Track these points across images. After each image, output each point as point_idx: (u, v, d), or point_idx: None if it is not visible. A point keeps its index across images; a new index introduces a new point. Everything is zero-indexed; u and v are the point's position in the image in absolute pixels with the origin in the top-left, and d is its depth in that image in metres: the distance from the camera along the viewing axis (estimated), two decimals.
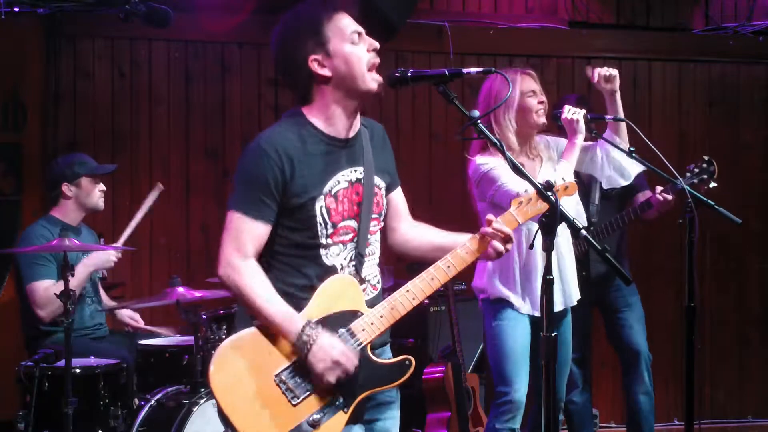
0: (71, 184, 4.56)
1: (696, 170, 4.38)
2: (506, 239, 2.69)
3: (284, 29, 2.70)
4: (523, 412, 3.87)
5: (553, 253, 3.73)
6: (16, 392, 4.16)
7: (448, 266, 2.67)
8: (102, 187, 4.64)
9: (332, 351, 2.51)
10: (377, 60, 2.66)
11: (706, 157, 4.40)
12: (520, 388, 3.83)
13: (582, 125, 3.87)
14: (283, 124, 2.68)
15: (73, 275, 3.96)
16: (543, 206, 2.68)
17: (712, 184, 4.31)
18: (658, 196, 4.45)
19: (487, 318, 3.93)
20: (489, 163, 3.82)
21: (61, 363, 3.84)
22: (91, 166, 4.63)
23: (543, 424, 2.61)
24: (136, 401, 4.23)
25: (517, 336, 3.84)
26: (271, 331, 2.56)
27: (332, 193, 2.63)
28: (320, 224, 2.61)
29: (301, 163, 2.59)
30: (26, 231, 4.55)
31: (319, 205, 2.60)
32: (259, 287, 2.57)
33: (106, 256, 4.51)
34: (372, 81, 2.64)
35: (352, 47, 2.63)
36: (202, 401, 4.02)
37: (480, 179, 3.83)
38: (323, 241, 2.61)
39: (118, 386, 4.16)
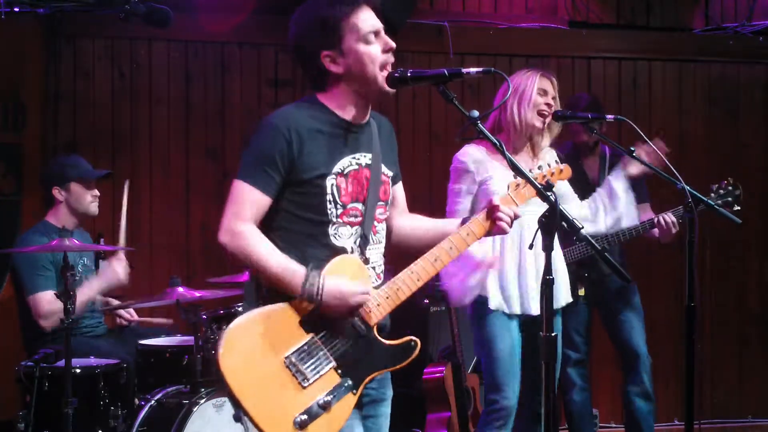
0: (62, 188, 4.54)
1: (721, 191, 4.29)
2: (513, 220, 2.75)
3: (300, 19, 2.71)
4: (513, 418, 3.84)
5: (530, 256, 3.76)
6: (16, 392, 4.16)
7: (451, 247, 2.71)
8: (95, 192, 4.60)
9: (343, 297, 2.56)
10: (392, 59, 2.67)
11: (731, 180, 4.31)
12: (511, 394, 3.79)
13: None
14: (297, 104, 2.73)
15: (73, 275, 3.96)
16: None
17: (736, 208, 4.20)
18: (660, 218, 4.39)
19: (474, 322, 3.87)
20: (467, 161, 3.81)
21: (61, 363, 3.83)
22: (82, 170, 4.58)
23: (543, 425, 2.61)
24: (136, 401, 4.23)
25: (506, 341, 3.79)
26: (279, 313, 2.57)
27: (343, 173, 2.66)
28: (329, 202, 2.64)
29: (311, 140, 2.62)
30: (22, 237, 4.53)
31: (330, 182, 2.63)
32: (259, 246, 2.59)
33: (116, 275, 4.52)
34: (384, 84, 2.66)
35: (366, 47, 2.64)
36: (202, 401, 4.01)
37: (451, 170, 3.87)
38: (333, 219, 2.64)
39: (118, 386, 4.16)
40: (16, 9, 5.11)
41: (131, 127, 5.57)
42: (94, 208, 4.61)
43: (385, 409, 2.81)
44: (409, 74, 2.66)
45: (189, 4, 5.31)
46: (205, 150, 5.65)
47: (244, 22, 5.51)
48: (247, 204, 2.60)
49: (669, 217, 4.36)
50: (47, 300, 4.29)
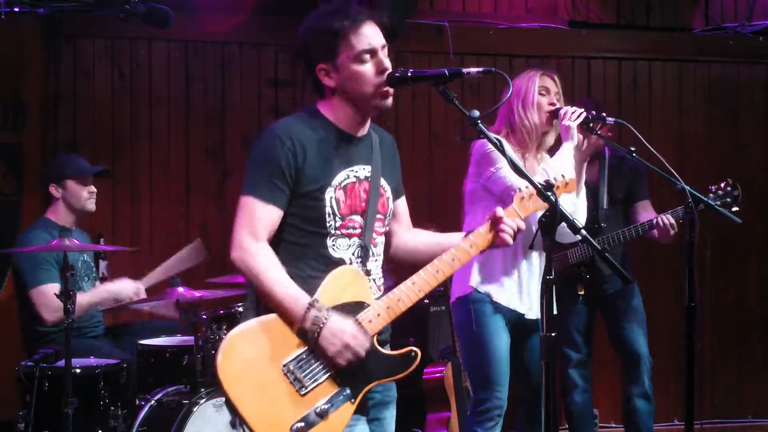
0: (58, 186, 4.57)
1: (720, 192, 4.27)
2: (516, 233, 2.73)
3: (306, 26, 2.71)
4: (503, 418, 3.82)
5: (535, 259, 3.73)
6: (16, 392, 4.16)
7: (453, 259, 2.70)
8: (91, 189, 4.61)
9: (343, 335, 2.54)
10: (383, 80, 2.64)
11: (730, 180, 4.30)
12: (504, 393, 3.76)
13: (574, 133, 3.77)
14: (297, 115, 2.73)
15: (73, 275, 3.96)
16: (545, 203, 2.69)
17: (735, 209, 4.18)
18: (659, 220, 4.40)
19: (465, 319, 3.80)
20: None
21: (61, 363, 3.83)
22: (78, 167, 4.61)
23: (543, 425, 2.60)
24: (136, 401, 4.23)
25: (502, 340, 3.76)
26: (279, 321, 2.57)
27: (342, 185, 2.66)
28: (329, 214, 2.64)
29: (313, 151, 2.62)
30: (24, 235, 4.54)
31: (329, 195, 2.64)
32: (271, 270, 2.58)
33: (127, 292, 4.52)
34: (377, 100, 2.66)
35: (359, 66, 2.63)
36: (202, 401, 4.01)
37: (482, 157, 3.74)
38: (332, 231, 2.64)
39: (118, 386, 4.16)
40: (16, 9, 5.11)
41: (131, 127, 5.57)
42: (90, 204, 4.63)
43: (391, 412, 2.81)
44: (409, 74, 2.65)
45: (189, 4, 5.31)
46: (205, 150, 5.65)
47: (244, 22, 5.51)
48: (259, 221, 2.59)
49: (668, 219, 4.37)
50: (50, 292, 4.29)
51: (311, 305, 2.54)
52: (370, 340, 2.59)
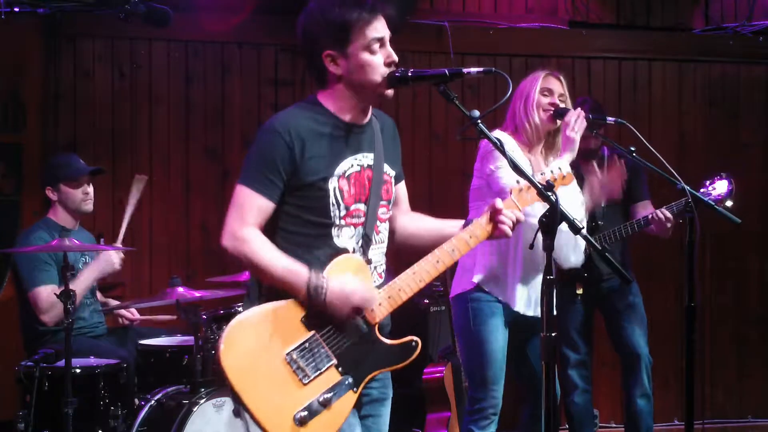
0: (53, 189, 4.57)
1: (714, 187, 4.30)
2: (515, 224, 2.75)
3: (314, 11, 2.70)
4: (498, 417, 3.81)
5: (535, 255, 3.72)
6: (16, 392, 4.16)
7: (453, 249, 2.72)
8: (86, 189, 4.60)
9: (351, 298, 2.57)
10: (392, 72, 2.68)
11: (723, 174, 4.32)
12: (500, 392, 3.77)
13: (576, 146, 3.72)
14: (298, 107, 2.74)
15: (73, 275, 3.95)
16: None
17: (729, 203, 4.23)
18: (655, 214, 4.41)
19: (463, 318, 3.80)
20: (502, 140, 3.73)
21: (61, 363, 3.84)
22: (70, 169, 4.60)
23: (543, 425, 2.61)
24: (136, 401, 4.23)
25: (499, 340, 3.76)
26: (281, 310, 2.58)
27: (345, 175, 2.67)
28: (333, 204, 2.65)
29: (313, 143, 2.63)
30: (24, 234, 4.55)
31: (333, 185, 2.65)
32: (262, 250, 2.60)
33: (111, 263, 4.51)
34: (383, 89, 2.69)
35: (370, 56, 2.66)
36: (202, 401, 4.02)
37: (486, 153, 3.75)
38: (336, 221, 2.66)
39: (118, 386, 4.16)
40: (16, 9, 5.09)
41: (131, 127, 5.57)
42: (86, 206, 4.62)
43: (386, 409, 2.83)
44: (409, 74, 2.68)
45: (189, 4, 5.31)
46: (205, 150, 5.65)
47: (244, 22, 5.51)
48: (249, 209, 2.62)
49: (663, 213, 4.39)
50: (47, 293, 4.30)
51: (310, 276, 2.57)
52: (371, 290, 2.62)
